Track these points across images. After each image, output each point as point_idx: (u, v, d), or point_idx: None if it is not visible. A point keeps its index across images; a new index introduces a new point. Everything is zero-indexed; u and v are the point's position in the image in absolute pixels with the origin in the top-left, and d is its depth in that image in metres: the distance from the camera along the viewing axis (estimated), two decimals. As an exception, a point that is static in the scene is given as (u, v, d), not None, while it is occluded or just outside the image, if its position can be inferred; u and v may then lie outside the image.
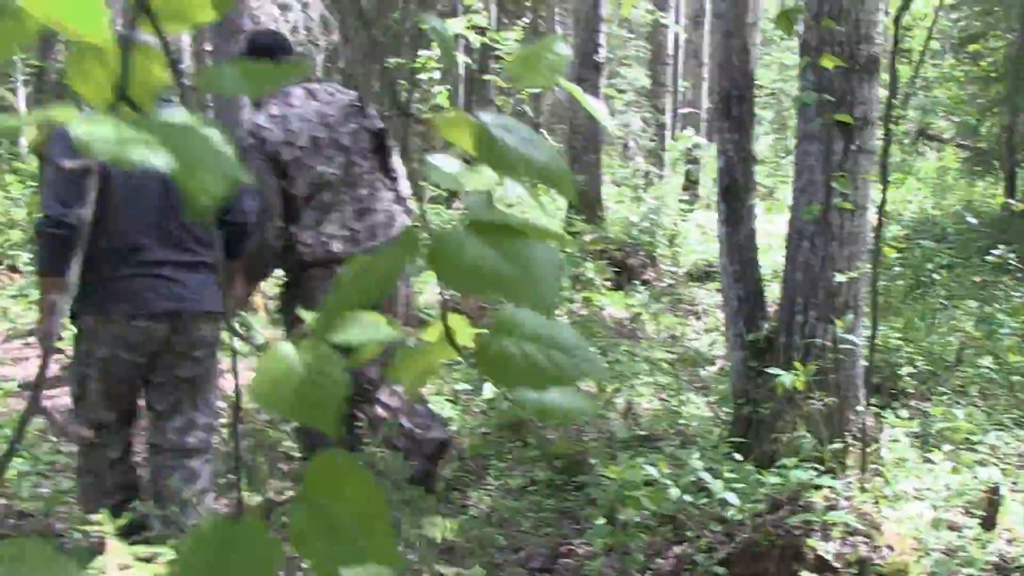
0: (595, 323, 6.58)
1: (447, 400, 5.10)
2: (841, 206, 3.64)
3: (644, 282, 7.73)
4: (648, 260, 8.05)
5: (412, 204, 4.02)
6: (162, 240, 3.13)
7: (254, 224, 3.42)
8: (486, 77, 12.20)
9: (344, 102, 3.88)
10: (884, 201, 3.28)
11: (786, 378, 3.39)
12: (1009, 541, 3.32)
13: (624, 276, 7.71)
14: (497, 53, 10.57)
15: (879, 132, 3.75)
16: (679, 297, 7.72)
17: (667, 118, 12.02)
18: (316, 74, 9.96)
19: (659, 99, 12.12)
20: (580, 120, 9.31)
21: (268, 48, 3.73)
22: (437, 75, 9.72)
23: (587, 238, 7.93)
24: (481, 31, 9.42)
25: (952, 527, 3.29)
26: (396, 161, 4.01)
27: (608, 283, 7.46)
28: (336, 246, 3.70)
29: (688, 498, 3.38)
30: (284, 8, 10.50)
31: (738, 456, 3.69)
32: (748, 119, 4.06)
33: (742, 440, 3.87)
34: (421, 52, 9.45)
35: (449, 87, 11.40)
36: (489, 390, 4.84)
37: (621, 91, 12.30)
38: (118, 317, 3.08)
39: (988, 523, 3.32)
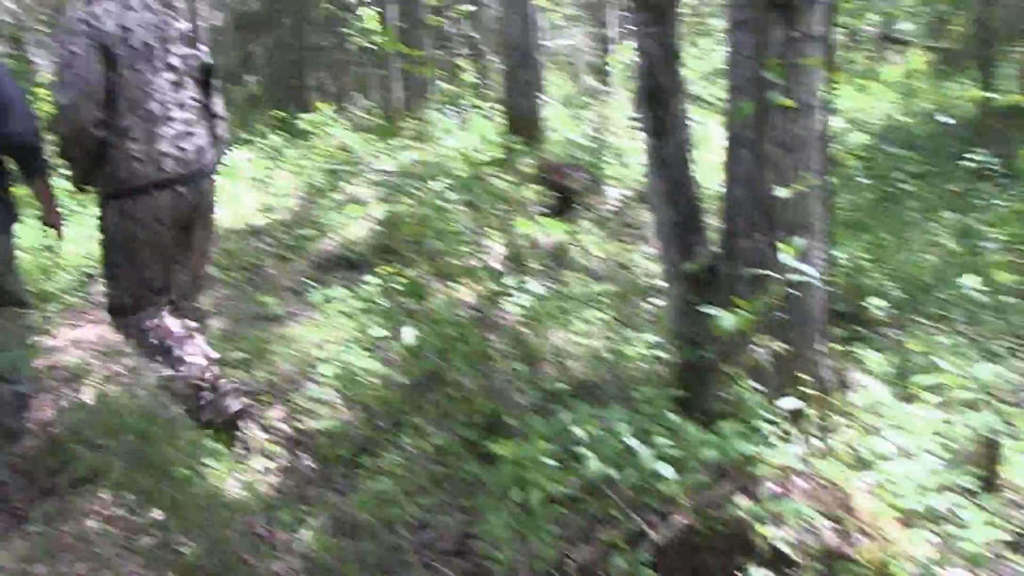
0: (527, 251, 5.90)
1: (363, 348, 4.52)
2: (779, 102, 2.89)
3: (587, 207, 7.02)
4: (592, 183, 7.31)
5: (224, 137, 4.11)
6: None
7: (34, 144, 3.68)
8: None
9: (181, 28, 3.88)
10: (831, 91, 2.53)
11: (727, 318, 2.68)
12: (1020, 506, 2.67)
13: (565, 201, 7.00)
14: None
15: (825, 14, 3.00)
16: (626, 222, 7.02)
17: (611, 32, 11.18)
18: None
19: (601, 11, 11.29)
20: (514, 36, 8.51)
21: None
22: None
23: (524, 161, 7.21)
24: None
25: (946, 491, 2.62)
26: (218, 99, 4.07)
27: (547, 209, 6.78)
28: (168, 164, 3.69)
29: (614, 472, 2.70)
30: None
31: (678, 414, 3.01)
32: (668, 7, 3.27)
33: (684, 393, 3.17)
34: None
35: (379, 9, 10.55)
36: (410, 335, 4.20)
37: (557, 2, 11.46)
38: None
39: (988, 483, 2.67)
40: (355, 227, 7.05)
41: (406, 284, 4.53)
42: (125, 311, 3.88)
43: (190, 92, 3.85)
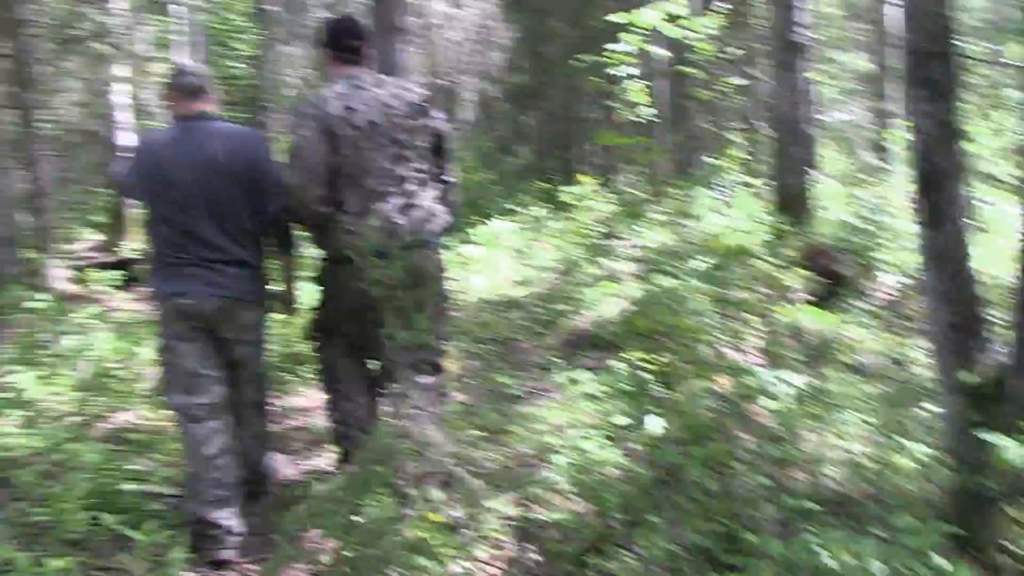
0: (787, 343, 5.46)
1: (603, 436, 4.28)
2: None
3: (858, 295, 6.47)
4: (864, 268, 6.75)
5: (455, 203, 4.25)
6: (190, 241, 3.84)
7: (279, 223, 4.05)
8: (683, 69, 11.14)
9: (412, 99, 4.03)
10: None
11: (1013, 448, 2.24)
12: None
13: (833, 288, 6.48)
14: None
15: None
16: (902, 314, 6.40)
17: (891, 106, 10.50)
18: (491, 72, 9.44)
19: (880, 84, 10.64)
20: (784, 109, 8.12)
21: (349, 33, 4.06)
22: (629, 71, 8.83)
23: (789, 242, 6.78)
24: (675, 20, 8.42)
25: None
26: (449, 167, 4.21)
27: (812, 296, 6.29)
28: (378, 237, 3.82)
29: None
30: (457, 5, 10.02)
31: (949, 555, 2.54)
32: (949, 81, 2.86)
33: (958, 529, 2.67)
34: (610, 46, 8.57)
35: (648, 83, 10.46)
36: (655, 424, 3.94)
37: (833, 76, 10.93)
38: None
39: None
40: (609, 305, 6.87)
41: (654, 370, 4.27)
42: (328, 381, 4.25)
43: (416, 164, 4.01)
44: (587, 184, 9.70)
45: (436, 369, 4.25)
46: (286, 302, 4.32)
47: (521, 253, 9.53)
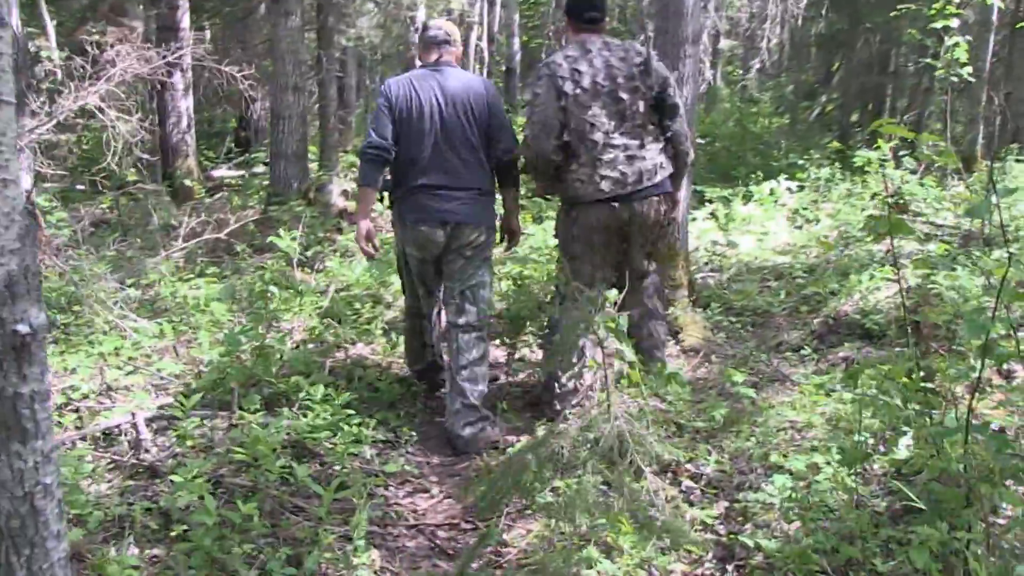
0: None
1: (838, 452, 3.66)
2: None
3: None
4: None
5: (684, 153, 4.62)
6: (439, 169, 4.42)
7: (511, 161, 4.60)
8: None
9: (634, 60, 4.44)
10: None
11: None
12: None
13: None
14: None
15: None
16: None
17: None
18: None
19: None
20: None
21: (579, 11, 4.58)
22: (955, 23, 7.82)
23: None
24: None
25: None
26: (678, 118, 4.53)
27: None
28: (606, 186, 4.36)
29: None
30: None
31: None
32: None
33: None
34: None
35: (970, 38, 9.24)
36: (905, 447, 3.32)
37: None
38: (409, 223, 4.46)
39: None
40: (883, 290, 6.06)
41: (918, 381, 3.57)
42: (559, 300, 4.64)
43: (640, 120, 4.42)
44: (886, 148, 8.70)
45: (661, 298, 4.99)
46: (512, 231, 4.87)
47: (799, 216, 8.73)
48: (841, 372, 4.90)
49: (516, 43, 17.04)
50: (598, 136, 4.35)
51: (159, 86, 10.73)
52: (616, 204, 4.39)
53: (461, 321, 4.53)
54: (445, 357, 4.76)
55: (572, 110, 4.33)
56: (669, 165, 4.53)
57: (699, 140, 12.69)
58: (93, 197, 9.68)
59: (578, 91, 4.34)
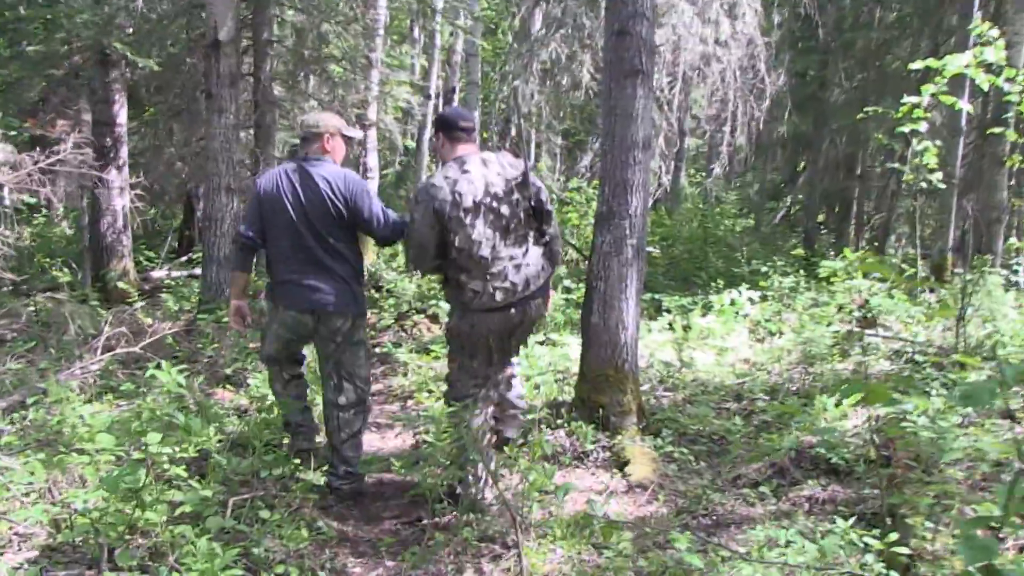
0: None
1: None
2: None
3: None
4: None
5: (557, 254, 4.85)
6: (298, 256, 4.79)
7: (387, 235, 4.96)
8: (997, 130, 9.42)
9: (510, 174, 4.63)
10: None
11: None
12: None
13: None
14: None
15: None
16: None
17: None
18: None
19: None
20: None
21: (452, 124, 4.78)
22: (923, 127, 7.49)
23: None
24: (991, 68, 6.97)
25: None
26: (553, 222, 4.78)
27: None
28: (499, 296, 4.58)
29: None
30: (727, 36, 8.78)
31: None
32: None
33: None
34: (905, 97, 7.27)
35: (938, 142, 8.92)
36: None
37: None
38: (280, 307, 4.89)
39: None
40: (851, 418, 5.53)
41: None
42: (454, 397, 4.88)
43: (520, 231, 4.63)
44: (853, 258, 8.28)
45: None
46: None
47: (761, 328, 8.25)
48: (803, 514, 4.37)
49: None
50: (486, 251, 4.53)
51: (95, 183, 10.23)
52: (511, 311, 4.67)
53: (341, 401, 4.95)
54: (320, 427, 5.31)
55: (457, 230, 4.49)
56: (549, 266, 4.81)
57: (657, 244, 12.34)
58: (14, 299, 9.07)
59: (460, 212, 4.49)
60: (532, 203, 4.66)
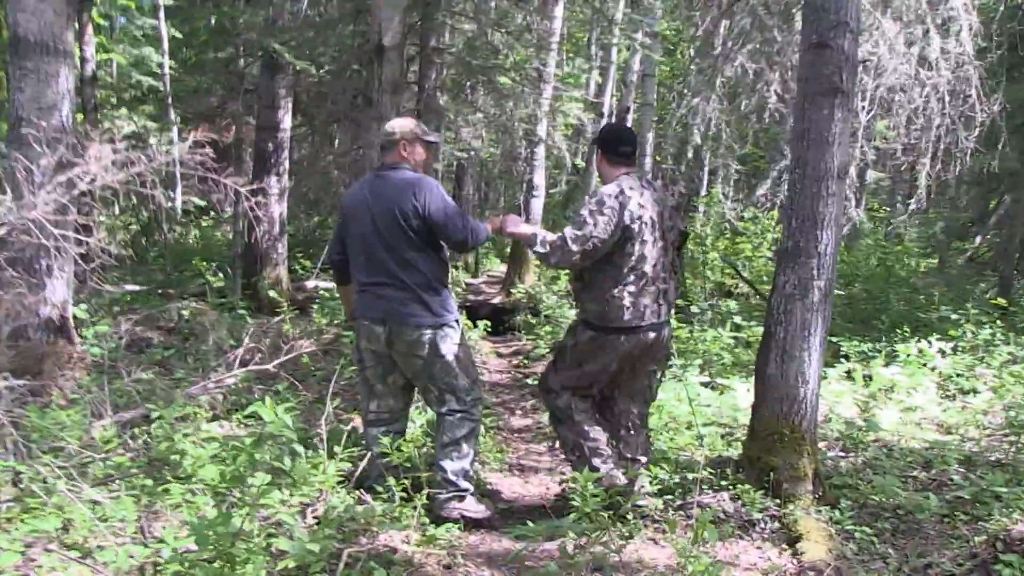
0: None
1: None
2: None
3: None
4: None
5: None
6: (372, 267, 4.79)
7: (463, 239, 4.76)
8: None
9: (669, 202, 4.91)
10: None
11: None
12: None
13: None
14: None
15: None
16: None
17: None
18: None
19: None
20: None
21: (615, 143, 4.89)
22: None
23: None
24: None
25: None
26: (680, 260, 5.06)
27: None
28: (648, 314, 4.72)
29: None
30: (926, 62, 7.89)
31: None
32: None
33: None
34: None
35: None
36: None
37: None
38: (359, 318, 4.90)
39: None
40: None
41: None
42: (556, 404, 5.00)
43: (671, 256, 4.81)
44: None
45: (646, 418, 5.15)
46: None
47: (951, 384, 7.36)
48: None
49: (648, 162, 16.10)
50: (649, 268, 4.67)
51: (254, 189, 10.15)
52: (651, 332, 4.74)
53: (443, 409, 4.84)
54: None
55: (634, 241, 4.61)
56: (676, 300, 4.99)
57: (836, 282, 11.34)
58: (163, 302, 9.05)
59: (642, 225, 4.62)
60: (680, 234, 4.92)
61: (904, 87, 7.72)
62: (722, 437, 5.84)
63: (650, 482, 4.94)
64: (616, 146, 4.81)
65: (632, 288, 4.64)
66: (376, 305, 4.74)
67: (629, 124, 15.24)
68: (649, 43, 12.62)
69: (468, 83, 10.80)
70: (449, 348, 4.78)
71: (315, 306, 9.98)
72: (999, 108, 8.10)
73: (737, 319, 9.09)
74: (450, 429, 4.81)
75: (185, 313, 8.45)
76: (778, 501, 4.84)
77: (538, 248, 4.77)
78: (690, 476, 4.97)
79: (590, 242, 4.54)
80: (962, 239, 16.31)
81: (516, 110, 10.65)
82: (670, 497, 4.97)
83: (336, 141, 13.32)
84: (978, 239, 15.51)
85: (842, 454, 5.89)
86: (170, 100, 16.82)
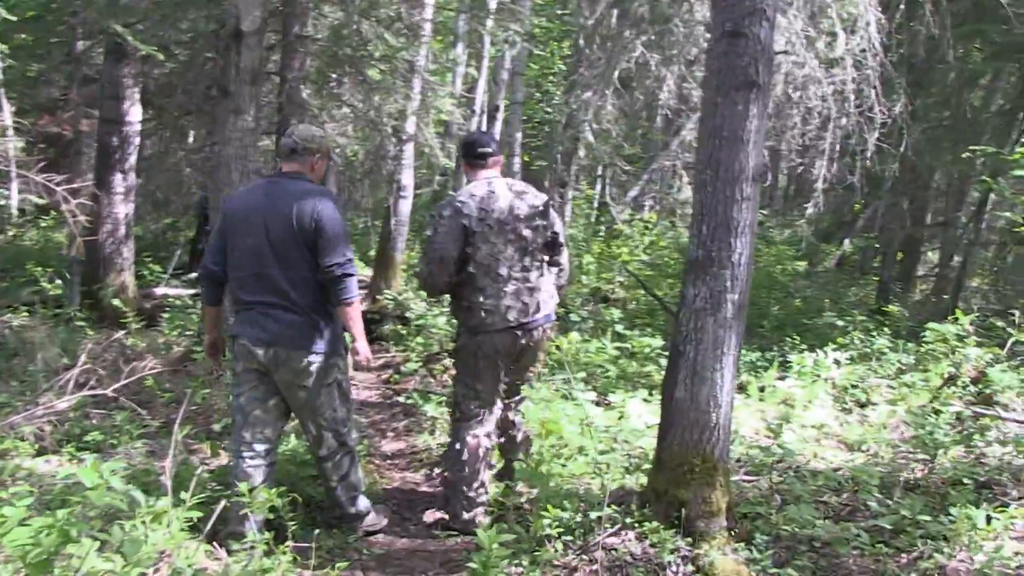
0: None
1: None
2: None
3: None
4: None
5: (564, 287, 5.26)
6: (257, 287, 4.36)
7: (340, 274, 4.35)
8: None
9: (533, 202, 4.97)
10: None
11: None
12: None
13: None
14: None
15: None
16: None
17: None
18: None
19: None
20: None
21: (469, 149, 5.06)
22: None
23: None
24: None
25: None
26: (564, 254, 5.18)
27: None
28: (511, 315, 4.83)
29: None
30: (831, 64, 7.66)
31: None
32: None
33: None
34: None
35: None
36: None
37: None
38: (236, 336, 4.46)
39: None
40: (1008, 542, 4.33)
41: None
42: (458, 416, 5.04)
43: (537, 257, 4.95)
44: (964, 320, 7.11)
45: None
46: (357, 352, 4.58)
47: (848, 396, 7.07)
48: None
49: (517, 162, 15.59)
50: (503, 270, 4.79)
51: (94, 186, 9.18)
52: (519, 332, 4.86)
53: (323, 453, 4.64)
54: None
55: (480, 244, 4.74)
56: (556, 295, 5.12)
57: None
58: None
59: (485, 228, 4.75)
60: (549, 234, 4.99)
61: (799, 85, 7.43)
62: (623, 467, 5.32)
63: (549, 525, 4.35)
64: (473, 149, 4.99)
65: (489, 290, 4.78)
66: (264, 326, 4.34)
67: (499, 122, 14.75)
68: (523, 32, 12.06)
69: (334, 75, 10.02)
70: (335, 377, 4.54)
71: (165, 316, 9.07)
72: (900, 110, 7.90)
73: (619, 327, 8.64)
74: (335, 471, 4.66)
75: (12, 326, 7.46)
76: (690, 540, 4.33)
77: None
78: (592, 515, 4.42)
79: (437, 253, 4.70)
80: (828, 241, 16.43)
81: (385, 105, 9.95)
82: (570, 538, 4.41)
83: (190, 136, 12.33)
84: (846, 242, 15.62)
85: (747, 478, 5.45)
86: (1, 90, 15.40)
